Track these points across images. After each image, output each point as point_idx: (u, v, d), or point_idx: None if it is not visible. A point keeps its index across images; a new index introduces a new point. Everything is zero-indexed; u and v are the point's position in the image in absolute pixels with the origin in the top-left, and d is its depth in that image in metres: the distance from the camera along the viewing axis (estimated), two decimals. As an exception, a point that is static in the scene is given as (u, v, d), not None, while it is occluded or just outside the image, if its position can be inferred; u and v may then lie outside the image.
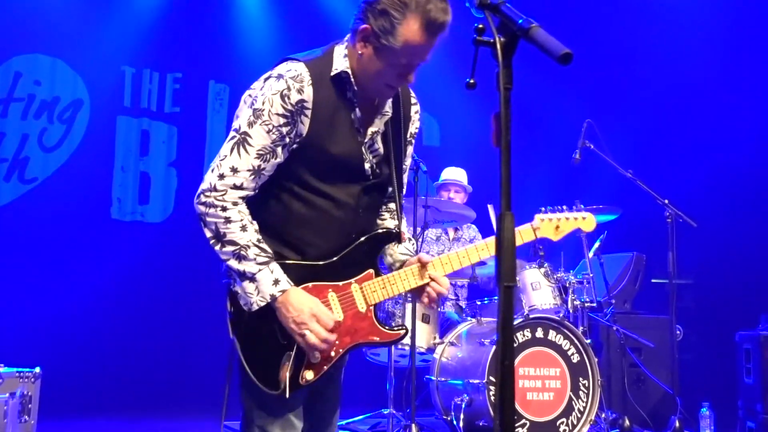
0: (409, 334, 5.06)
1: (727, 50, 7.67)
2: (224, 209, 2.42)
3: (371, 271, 2.64)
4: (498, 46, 1.73)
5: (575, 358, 5.10)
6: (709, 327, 6.87)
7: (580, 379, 5.07)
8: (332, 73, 2.49)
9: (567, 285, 5.43)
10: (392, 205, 2.82)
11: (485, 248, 2.76)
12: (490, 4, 1.77)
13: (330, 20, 8.17)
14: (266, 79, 2.48)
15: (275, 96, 2.41)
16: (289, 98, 2.41)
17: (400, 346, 5.24)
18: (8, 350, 5.07)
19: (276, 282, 2.44)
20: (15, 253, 6.71)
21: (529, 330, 5.05)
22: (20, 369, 4.30)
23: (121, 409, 6.54)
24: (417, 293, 2.72)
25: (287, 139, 2.45)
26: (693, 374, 6.50)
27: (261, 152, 2.43)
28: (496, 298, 5.57)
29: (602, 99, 8.28)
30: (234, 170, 2.42)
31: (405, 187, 2.86)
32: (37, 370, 4.39)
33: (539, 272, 5.37)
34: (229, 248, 2.43)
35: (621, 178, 5.93)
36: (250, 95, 2.49)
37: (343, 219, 2.57)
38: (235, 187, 2.43)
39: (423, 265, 2.66)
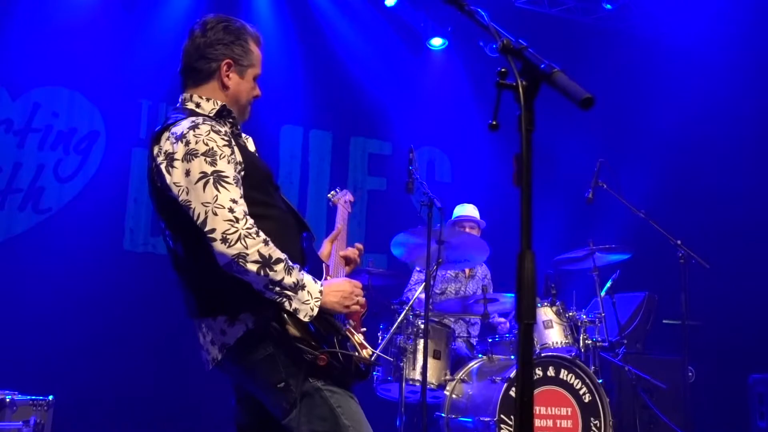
0: (420, 370, 5.06)
1: (742, 90, 7.72)
2: (257, 233, 2.46)
3: (324, 263, 2.86)
4: (520, 89, 1.76)
5: (587, 398, 5.07)
6: (722, 369, 6.82)
7: (592, 419, 5.04)
8: (212, 114, 2.69)
9: (579, 324, 5.42)
10: None
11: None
12: (513, 48, 1.81)
13: (345, 58, 8.30)
14: (182, 136, 2.51)
15: (210, 134, 2.54)
16: (219, 132, 2.57)
17: (410, 382, 5.22)
18: (22, 378, 5.08)
19: (315, 279, 2.58)
20: (28, 282, 6.74)
21: (540, 369, 5.03)
22: (34, 397, 4.33)
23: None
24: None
25: (239, 167, 2.58)
26: (705, 417, 6.45)
27: (236, 180, 2.53)
28: (508, 335, 5.56)
29: (615, 139, 8.32)
30: (234, 202, 2.47)
31: None
32: (51, 398, 4.40)
33: (551, 310, 5.37)
34: (280, 266, 2.47)
35: (634, 218, 5.95)
36: (178, 157, 2.49)
37: (292, 223, 2.76)
38: (246, 213, 2.49)
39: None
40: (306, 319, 2.50)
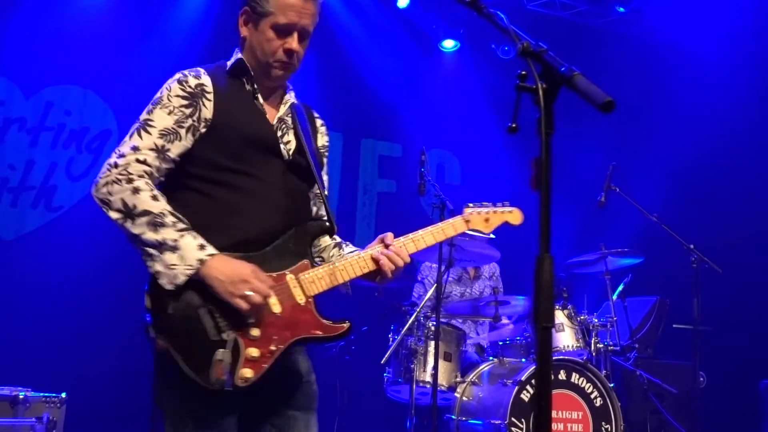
0: (431, 372, 5.07)
1: (756, 93, 7.69)
2: (130, 181, 2.26)
3: (306, 261, 2.48)
4: (540, 92, 1.75)
5: (598, 402, 5.05)
6: (733, 375, 6.79)
7: (603, 423, 5.02)
8: (227, 67, 2.56)
9: (590, 328, 5.40)
10: (322, 212, 2.73)
11: (451, 227, 2.74)
12: (533, 51, 1.80)
13: (357, 60, 8.30)
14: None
15: (173, 83, 2.46)
16: (186, 82, 2.45)
17: (421, 384, 5.21)
18: (34, 375, 5.10)
19: (202, 247, 2.24)
20: (41, 279, 6.76)
21: (551, 372, 5.01)
22: (46, 394, 4.35)
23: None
24: (371, 277, 2.57)
25: (190, 121, 2.41)
26: (716, 422, 6.42)
27: (164, 132, 2.37)
28: (519, 338, 5.55)
29: (628, 142, 8.30)
30: (135, 149, 2.33)
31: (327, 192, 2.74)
32: (63, 395, 4.43)
33: (563, 314, 5.35)
34: (143, 219, 2.21)
35: (646, 222, 5.93)
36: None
37: (271, 197, 2.46)
38: (138, 162, 2.31)
39: (386, 247, 2.55)
40: (168, 287, 2.17)
